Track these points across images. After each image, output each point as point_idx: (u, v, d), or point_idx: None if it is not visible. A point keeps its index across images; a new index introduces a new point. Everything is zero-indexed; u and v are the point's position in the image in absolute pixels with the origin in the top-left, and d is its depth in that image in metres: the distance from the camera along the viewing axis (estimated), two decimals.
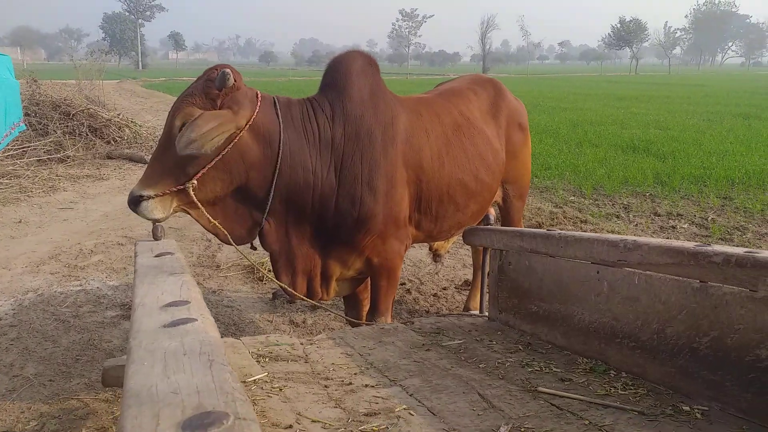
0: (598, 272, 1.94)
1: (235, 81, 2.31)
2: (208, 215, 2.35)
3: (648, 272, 1.77)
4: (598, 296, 1.94)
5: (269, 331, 3.79)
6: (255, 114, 2.36)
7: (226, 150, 2.29)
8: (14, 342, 3.50)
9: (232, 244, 2.46)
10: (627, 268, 1.84)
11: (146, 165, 2.43)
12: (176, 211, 2.38)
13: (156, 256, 1.60)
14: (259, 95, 2.45)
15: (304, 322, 3.86)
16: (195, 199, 2.29)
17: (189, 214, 2.39)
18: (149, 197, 2.26)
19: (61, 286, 4.37)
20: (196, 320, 0.96)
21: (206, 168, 2.28)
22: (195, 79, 2.43)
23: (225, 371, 0.73)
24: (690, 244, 1.66)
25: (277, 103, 2.48)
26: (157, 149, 2.38)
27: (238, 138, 2.31)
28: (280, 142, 2.41)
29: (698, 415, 1.56)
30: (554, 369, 1.92)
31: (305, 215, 2.55)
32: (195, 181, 2.27)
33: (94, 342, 3.53)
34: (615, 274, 1.88)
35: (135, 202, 2.28)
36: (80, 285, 4.41)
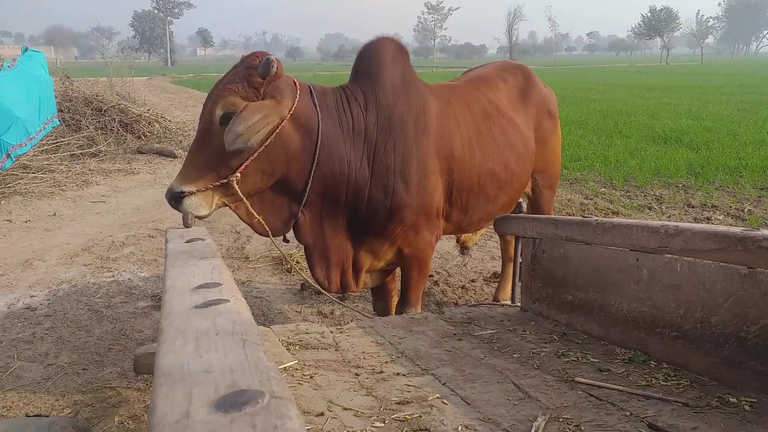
0: (637, 259, 1.88)
1: (277, 69, 2.23)
2: (252, 210, 2.28)
3: (691, 259, 1.70)
4: (638, 284, 1.88)
5: (297, 321, 3.79)
6: (296, 103, 2.29)
7: (269, 141, 2.21)
8: (49, 331, 3.56)
9: (270, 237, 2.40)
10: (668, 255, 1.77)
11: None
12: (218, 207, 2.28)
13: (187, 242, 1.58)
14: (297, 83, 2.39)
15: (332, 313, 3.85)
16: (240, 193, 2.21)
17: (228, 206, 2.31)
18: (191, 193, 2.15)
19: (93, 278, 4.44)
20: (229, 301, 0.94)
21: (249, 160, 2.19)
22: (222, 74, 2.37)
23: (259, 350, 0.71)
24: (737, 229, 1.58)
25: (313, 92, 2.42)
26: (195, 142, 2.27)
27: (280, 128, 2.23)
28: (318, 132, 2.35)
29: (746, 407, 1.49)
30: (591, 359, 1.86)
31: (339, 206, 2.50)
32: (239, 174, 2.18)
33: (125, 332, 3.57)
34: (655, 261, 1.81)
35: (177, 199, 2.17)
36: (112, 276, 4.48)
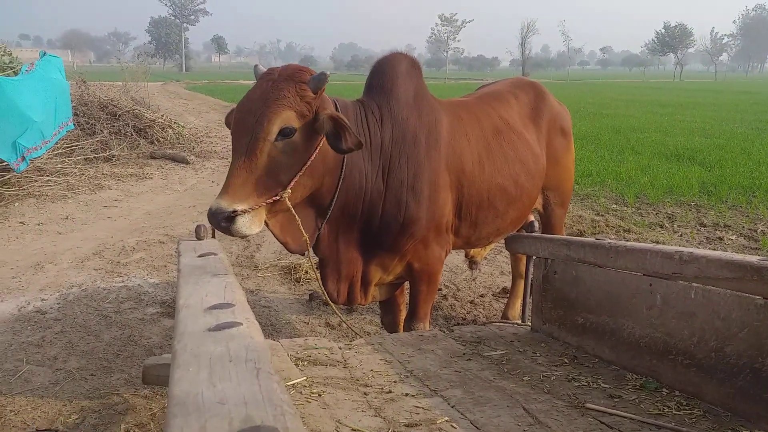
0: (650, 285, 1.86)
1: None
2: (301, 227, 2.24)
3: (706, 286, 1.68)
4: (651, 310, 1.86)
5: (305, 332, 3.79)
6: None
7: (314, 155, 2.20)
8: (58, 336, 3.58)
9: (309, 253, 2.38)
10: (682, 282, 1.75)
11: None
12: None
13: (199, 256, 1.58)
14: (330, 98, 2.39)
15: (340, 325, 3.84)
16: (292, 209, 2.17)
17: (266, 223, 2.23)
18: (244, 212, 2.05)
19: (104, 282, 4.46)
20: (242, 324, 0.93)
21: (298, 175, 2.17)
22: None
23: (272, 381, 0.70)
24: (753, 258, 1.56)
25: (337, 105, 2.42)
26: (240, 158, 2.13)
27: (322, 142, 2.22)
28: None
29: None
30: (602, 384, 1.84)
31: (355, 220, 2.51)
32: (290, 190, 2.15)
33: (134, 338, 3.58)
34: (669, 287, 1.79)
35: (229, 219, 2.03)
36: (122, 281, 4.50)
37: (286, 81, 2.18)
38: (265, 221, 2.21)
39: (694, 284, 1.71)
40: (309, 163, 2.19)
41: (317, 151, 2.21)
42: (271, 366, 0.76)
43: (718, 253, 1.67)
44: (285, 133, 2.12)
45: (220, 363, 0.77)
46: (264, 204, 2.11)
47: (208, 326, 0.93)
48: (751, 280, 1.53)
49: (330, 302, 2.56)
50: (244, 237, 2.11)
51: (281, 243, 2.38)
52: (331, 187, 2.37)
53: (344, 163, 2.35)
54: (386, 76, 2.62)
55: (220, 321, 0.95)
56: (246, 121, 2.15)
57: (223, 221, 2.03)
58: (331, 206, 2.40)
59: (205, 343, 0.85)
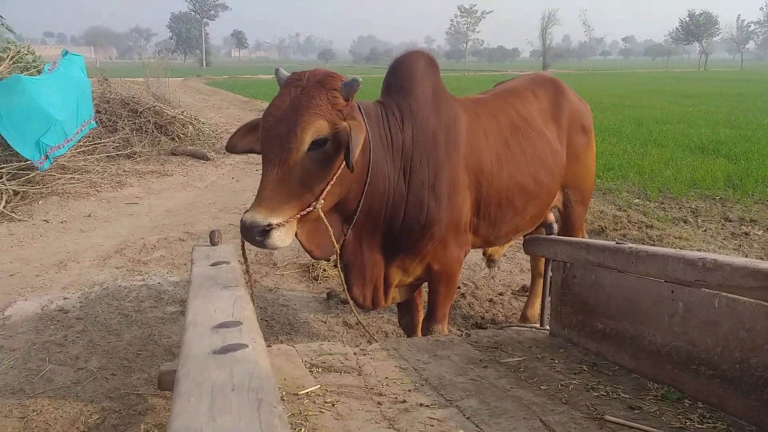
0: (672, 292, 1.81)
1: None
2: (332, 236, 2.20)
3: (730, 295, 1.63)
4: (672, 317, 1.81)
5: (323, 332, 3.79)
6: None
7: (343, 163, 2.14)
8: (80, 335, 3.63)
9: (338, 264, 2.35)
10: (706, 290, 1.70)
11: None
12: None
13: (212, 265, 1.58)
14: (356, 103, 2.33)
15: (357, 324, 3.83)
16: (325, 220, 2.14)
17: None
18: (279, 225, 2.00)
19: (125, 281, 4.51)
20: (247, 347, 0.92)
21: (330, 185, 2.12)
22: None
23: (273, 415, 0.69)
24: None
25: (360, 108, 2.36)
26: (272, 169, 2.06)
27: None
28: (370, 150, 2.31)
29: None
30: (622, 394, 1.80)
31: (378, 224, 2.48)
32: (323, 200, 2.11)
33: (154, 337, 3.62)
34: (692, 294, 1.74)
35: (264, 233, 1.99)
36: (143, 280, 4.54)
37: (317, 88, 2.11)
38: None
39: (719, 292, 1.66)
40: (339, 171, 2.14)
41: None
42: (275, 394, 0.75)
43: (744, 261, 1.61)
44: (318, 143, 2.06)
45: (222, 393, 0.76)
46: (298, 216, 2.07)
47: (213, 348, 0.92)
48: None
49: (353, 306, 2.54)
50: (277, 249, 2.07)
51: (306, 251, 2.34)
52: (357, 193, 2.33)
53: (370, 167, 2.32)
54: (404, 75, 2.59)
55: (226, 342, 0.94)
56: (277, 130, 2.08)
57: (258, 235, 1.98)
58: (357, 212, 2.36)
59: (209, 368, 0.84)
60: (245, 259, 2.31)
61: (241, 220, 1.99)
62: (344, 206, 2.34)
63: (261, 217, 1.97)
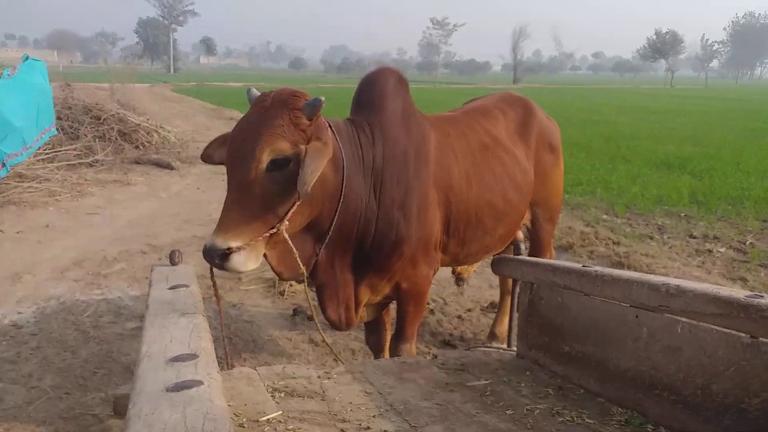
0: (637, 316, 1.81)
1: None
2: (299, 260, 2.15)
3: (692, 321, 1.64)
4: (637, 342, 1.81)
5: (288, 349, 3.72)
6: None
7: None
8: (34, 351, 3.49)
9: (302, 281, 2.29)
10: (669, 315, 1.71)
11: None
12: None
13: (170, 288, 1.52)
14: (325, 121, 2.29)
15: (323, 342, 3.77)
16: (288, 240, 2.08)
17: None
18: (239, 248, 1.96)
19: (83, 294, 4.37)
20: (202, 383, 0.87)
21: (296, 205, 2.07)
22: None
23: None
24: (740, 294, 1.52)
25: (332, 127, 2.33)
26: (232, 191, 2.05)
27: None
28: (343, 168, 2.28)
29: None
30: (587, 419, 1.79)
31: (350, 242, 2.44)
32: (287, 222, 2.06)
33: (112, 354, 3.51)
34: (655, 320, 1.75)
35: (223, 257, 1.95)
36: (102, 294, 4.41)
37: (279, 108, 2.07)
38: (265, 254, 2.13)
39: (681, 318, 1.67)
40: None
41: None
42: None
43: (705, 287, 1.62)
44: (278, 163, 2.02)
45: None
46: (261, 238, 2.02)
47: (167, 384, 0.88)
48: (737, 317, 1.49)
49: (319, 326, 2.49)
50: (240, 273, 2.04)
51: (276, 273, 2.29)
52: (329, 212, 2.29)
53: (344, 186, 2.29)
54: (375, 93, 2.57)
55: (180, 378, 0.90)
56: (238, 151, 2.06)
57: (217, 259, 1.96)
58: (329, 230, 2.32)
59: (161, 407, 0.80)
60: (213, 282, 2.25)
61: (204, 244, 1.96)
62: (317, 225, 2.30)
63: (220, 241, 1.95)
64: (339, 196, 2.28)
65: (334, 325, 2.55)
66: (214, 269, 2.10)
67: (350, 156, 2.36)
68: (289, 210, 2.06)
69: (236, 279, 4.78)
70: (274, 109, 2.07)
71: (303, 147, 2.05)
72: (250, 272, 4.74)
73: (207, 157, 2.36)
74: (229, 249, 1.94)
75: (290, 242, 2.10)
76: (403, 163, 2.50)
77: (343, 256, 2.47)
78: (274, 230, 2.04)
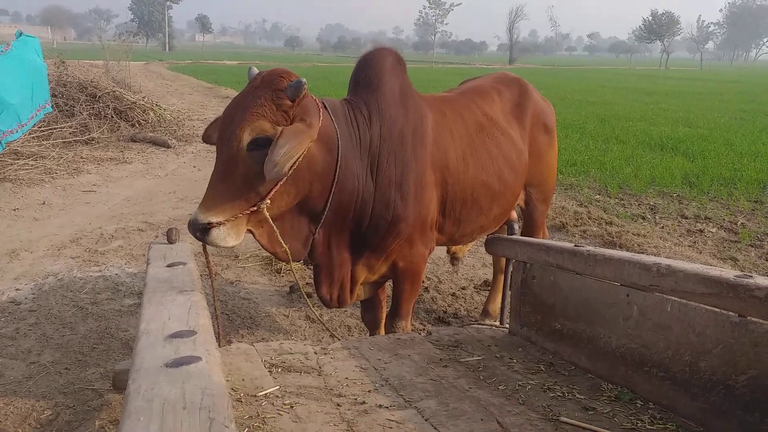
0: (627, 295, 1.85)
1: (305, 91, 2.15)
2: (280, 238, 2.20)
3: (682, 300, 1.67)
4: (627, 320, 1.85)
5: (285, 326, 3.76)
6: (320, 123, 2.22)
7: (296, 163, 2.12)
8: (33, 328, 3.52)
9: (290, 262, 2.33)
10: (659, 294, 1.74)
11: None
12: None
13: (168, 266, 1.54)
14: (319, 102, 2.31)
15: (321, 317, 3.82)
16: (270, 220, 2.13)
17: (252, 233, 2.21)
18: (219, 224, 2.02)
19: (80, 272, 4.39)
20: (201, 359, 0.90)
21: (279, 185, 2.11)
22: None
23: None
24: (730, 274, 1.56)
25: (327, 107, 2.35)
26: (217, 168, 2.13)
27: (306, 149, 2.15)
28: (338, 149, 2.30)
29: None
30: (577, 395, 1.84)
31: (347, 222, 2.47)
32: (269, 200, 2.10)
33: (110, 330, 3.54)
34: (646, 299, 1.79)
35: (203, 231, 2.02)
36: (99, 271, 4.43)
37: (263, 88, 2.12)
38: (252, 231, 2.18)
39: (671, 297, 1.70)
40: (291, 171, 2.12)
41: (300, 158, 2.13)
42: (227, 412, 0.73)
43: (696, 267, 1.66)
44: (259, 143, 2.06)
45: (173, 411, 0.74)
46: (242, 215, 2.07)
47: (166, 360, 0.90)
48: (726, 296, 1.52)
49: (310, 306, 2.54)
50: (221, 248, 2.08)
51: (270, 253, 2.33)
52: (323, 192, 2.31)
53: (338, 167, 2.30)
54: (372, 73, 2.57)
55: (179, 354, 0.92)
56: (225, 131, 2.11)
57: (198, 232, 2.03)
58: (325, 211, 2.35)
59: (160, 383, 0.82)
60: (206, 255, 2.29)
61: (189, 217, 2.04)
62: (309, 205, 2.32)
63: (201, 216, 2.02)
64: (332, 177, 2.30)
65: (326, 303, 2.60)
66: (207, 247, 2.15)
67: (346, 136, 2.37)
68: (271, 189, 2.10)
69: (233, 257, 4.80)
70: (259, 89, 2.12)
71: (278, 130, 2.08)
72: (247, 245, 4.77)
73: (207, 138, 2.40)
74: (209, 223, 2.01)
75: (271, 221, 2.14)
76: (400, 143, 2.51)
77: (340, 235, 2.50)
78: (255, 208, 2.09)
